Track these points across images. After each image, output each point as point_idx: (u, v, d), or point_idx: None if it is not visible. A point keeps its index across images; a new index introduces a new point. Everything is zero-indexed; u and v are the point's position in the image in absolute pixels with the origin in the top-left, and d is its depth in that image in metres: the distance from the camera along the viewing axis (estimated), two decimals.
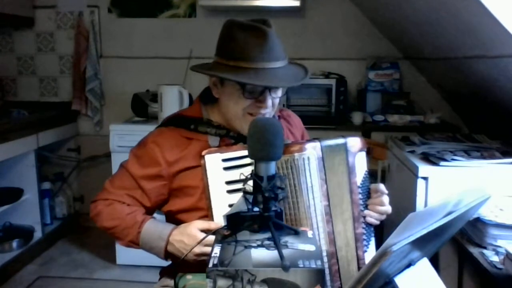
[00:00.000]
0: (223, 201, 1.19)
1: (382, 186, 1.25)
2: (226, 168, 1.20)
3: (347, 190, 1.19)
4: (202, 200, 1.24)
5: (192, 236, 1.17)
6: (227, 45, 1.21)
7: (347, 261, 1.17)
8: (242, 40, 1.17)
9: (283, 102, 2.88)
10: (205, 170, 1.20)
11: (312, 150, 1.16)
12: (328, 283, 1.13)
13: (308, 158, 1.16)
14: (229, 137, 1.29)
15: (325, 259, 1.14)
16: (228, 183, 1.19)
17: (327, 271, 1.13)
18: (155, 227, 1.25)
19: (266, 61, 1.17)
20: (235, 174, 1.18)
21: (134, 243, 1.26)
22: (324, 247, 1.15)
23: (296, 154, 1.15)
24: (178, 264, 1.24)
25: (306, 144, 1.17)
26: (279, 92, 1.26)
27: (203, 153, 1.21)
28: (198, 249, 1.15)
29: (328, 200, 1.17)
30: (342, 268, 1.16)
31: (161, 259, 1.26)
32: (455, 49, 2.21)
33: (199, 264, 1.15)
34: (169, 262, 1.40)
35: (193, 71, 1.25)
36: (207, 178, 1.20)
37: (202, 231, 1.17)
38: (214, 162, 1.20)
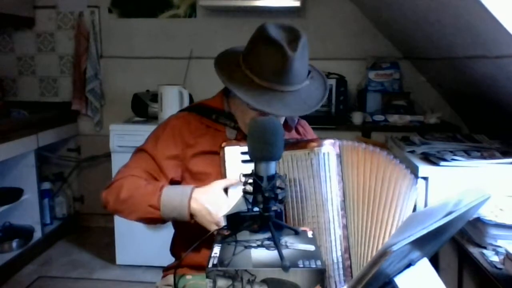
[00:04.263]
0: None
1: None
2: (244, 161, 1.21)
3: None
4: None
5: (217, 194, 1.17)
6: (249, 53, 1.20)
7: (362, 257, 1.18)
8: (262, 55, 1.16)
9: None
10: (224, 161, 1.22)
11: (331, 147, 1.21)
12: (342, 277, 1.14)
13: (328, 154, 1.20)
14: None
15: (339, 253, 1.15)
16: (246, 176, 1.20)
17: (340, 265, 1.15)
18: (175, 188, 1.23)
19: (279, 84, 1.16)
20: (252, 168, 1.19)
21: (154, 208, 1.19)
22: (338, 241, 1.16)
23: (316, 148, 1.19)
24: (181, 263, 1.23)
25: (325, 140, 1.22)
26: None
27: (222, 144, 1.23)
28: (228, 209, 1.10)
29: (344, 196, 1.20)
30: (354, 264, 1.18)
31: (185, 219, 1.19)
32: (455, 49, 2.21)
33: (202, 263, 1.13)
34: (172, 261, 1.40)
35: (215, 62, 1.24)
36: (225, 169, 1.22)
37: (225, 190, 1.18)
38: (233, 154, 1.22)
